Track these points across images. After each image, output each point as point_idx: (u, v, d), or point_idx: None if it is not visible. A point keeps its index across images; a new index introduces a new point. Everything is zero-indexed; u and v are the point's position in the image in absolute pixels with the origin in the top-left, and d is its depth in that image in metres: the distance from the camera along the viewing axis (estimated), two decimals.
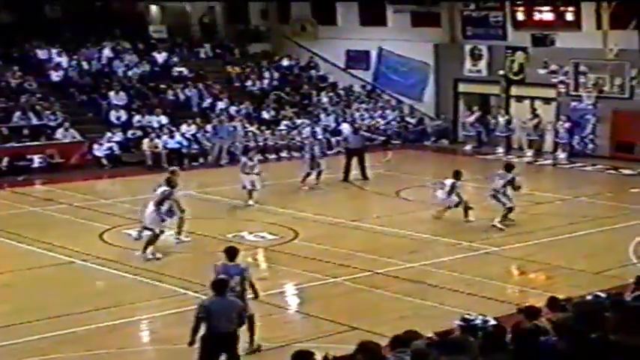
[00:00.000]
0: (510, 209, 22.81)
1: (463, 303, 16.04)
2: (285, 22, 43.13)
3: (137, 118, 34.46)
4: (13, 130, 31.93)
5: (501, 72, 36.54)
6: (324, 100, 39.41)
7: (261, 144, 34.49)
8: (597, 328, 9.80)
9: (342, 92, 40.52)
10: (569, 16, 34.47)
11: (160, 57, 38.92)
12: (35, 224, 23.39)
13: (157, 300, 17.22)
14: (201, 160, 33.36)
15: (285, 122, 36.53)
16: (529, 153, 35.58)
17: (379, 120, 38.40)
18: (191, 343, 12.44)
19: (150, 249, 19.56)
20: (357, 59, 41.32)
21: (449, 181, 23.37)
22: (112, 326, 15.54)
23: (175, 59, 39.26)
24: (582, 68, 34.49)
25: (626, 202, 26.38)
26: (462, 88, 38.75)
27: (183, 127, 34.19)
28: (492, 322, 10.36)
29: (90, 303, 16.65)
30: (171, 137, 33.16)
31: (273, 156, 34.51)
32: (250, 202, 25.08)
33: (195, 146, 33.78)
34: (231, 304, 12.56)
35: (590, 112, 34.56)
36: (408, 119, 39.27)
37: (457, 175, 23.53)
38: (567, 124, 34.73)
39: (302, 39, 42.39)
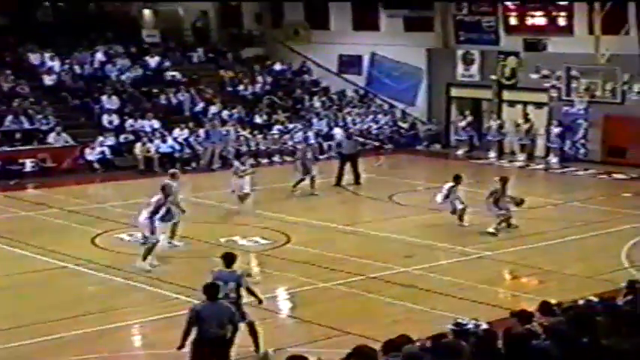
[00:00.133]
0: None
1: (456, 307, 16.02)
2: (278, 27, 43.14)
3: (130, 122, 34.41)
4: (6, 135, 31.89)
5: (494, 77, 36.60)
6: (317, 104, 39.42)
7: (253, 148, 34.51)
8: (589, 333, 9.79)
9: (334, 97, 40.53)
10: (562, 21, 34.57)
11: (153, 61, 38.87)
12: (27, 228, 23.35)
13: (149, 304, 17.20)
14: (193, 164, 33.31)
15: (277, 127, 36.52)
16: (521, 157, 35.63)
17: (372, 124, 38.42)
18: (180, 347, 12.43)
19: (149, 259, 19.19)
20: (349, 64, 41.35)
21: (447, 185, 23.38)
22: (103, 330, 15.49)
23: (168, 63, 39.22)
24: (574, 73, 34.56)
25: (618, 207, 26.40)
26: (455, 92, 38.79)
27: (176, 132, 34.16)
28: (484, 326, 10.36)
29: (81, 307, 16.63)
30: (164, 141, 33.14)
31: (266, 160, 34.48)
32: (242, 207, 24.90)
33: (188, 150, 33.77)
34: (222, 309, 12.53)
35: (582, 117, 34.62)
36: (400, 124, 39.29)
37: (456, 179, 23.50)
38: (558, 129, 34.78)
39: (295, 43, 42.39)
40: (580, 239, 22.51)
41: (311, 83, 41.46)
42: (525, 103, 36.53)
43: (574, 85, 34.64)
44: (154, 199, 19.42)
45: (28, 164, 30.93)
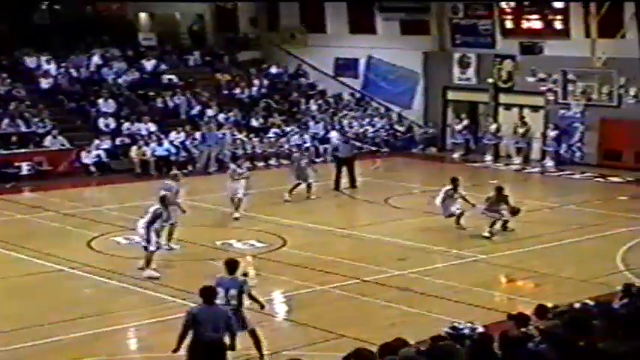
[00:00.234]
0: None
1: (451, 311, 16.04)
2: (275, 30, 43.13)
3: (126, 125, 34.39)
4: (2, 138, 31.82)
5: (490, 80, 36.63)
6: (313, 107, 39.43)
7: (249, 152, 34.49)
8: (585, 336, 9.81)
9: (331, 100, 40.54)
10: (558, 25, 34.60)
11: (149, 64, 38.87)
12: (23, 232, 23.32)
13: (145, 307, 17.19)
14: (189, 167, 33.27)
15: (273, 130, 36.52)
16: (517, 161, 35.65)
17: (368, 128, 38.41)
18: (176, 350, 12.42)
19: (153, 265, 18.97)
20: (346, 67, 41.35)
21: (445, 188, 23.37)
22: (99, 334, 15.48)
23: (164, 67, 39.22)
24: (570, 76, 34.60)
25: (613, 210, 26.43)
26: (451, 95, 38.81)
27: (172, 135, 34.15)
28: (480, 329, 10.37)
29: (77, 310, 16.61)
30: (160, 145, 33.10)
31: (262, 164, 34.48)
32: (236, 214, 24.65)
33: (184, 154, 33.74)
34: (217, 313, 12.51)
35: (578, 120, 34.65)
36: (396, 127, 39.29)
37: (453, 181, 23.49)
38: (554, 132, 34.81)
39: (291, 47, 42.39)
40: (576, 242, 22.53)
41: (307, 86, 41.47)
42: (522, 107, 36.54)
43: (570, 88, 34.68)
44: (152, 208, 19.14)
45: (24, 167, 30.89)
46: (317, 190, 28.11)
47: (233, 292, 13.51)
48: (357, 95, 41.01)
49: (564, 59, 34.12)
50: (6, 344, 14.76)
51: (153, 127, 34.41)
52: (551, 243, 22.13)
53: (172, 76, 38.57)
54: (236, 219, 24.46)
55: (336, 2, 40.26)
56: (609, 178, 32.04)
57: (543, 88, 35.36)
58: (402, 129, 39.23)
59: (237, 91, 39.48)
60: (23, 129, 32.50)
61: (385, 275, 19.17)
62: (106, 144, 33.11)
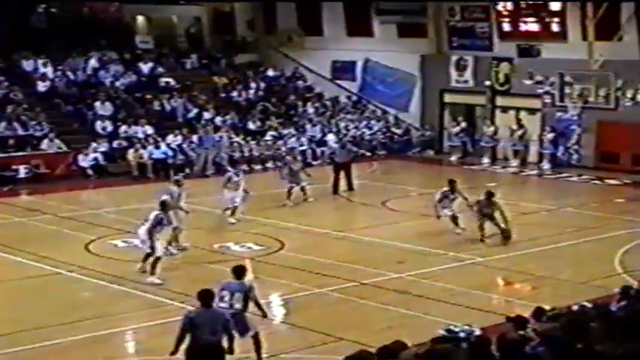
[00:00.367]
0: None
1: (449, 313, 16.04)
2: (272, 33, 43.15)
3: (123, 128, 34.40)
4: None
5: (487, 82, 36.67)
6: (310, 110, 39.44)
7: (246, 154, 34.51)
8: (583, 339, 9.82)
9: (328, 103, 40.56)
10: (555, 27, 34.66)
11: (146, 67, 38.86)
12: (21, 235, 23.28)
13: (143, 310, 17.19)
14: (186, 170, 33.21)
15: (270, 133, 36.53)
16: (514, 163, 35.68)
17: (365, 130, 38.43)
18: (173, 353, 12.41)
19: (158, 272, 18.83)
20: (343, 70, 41.37)
21: (442, 190, 23.33)
22: (97, 337, 15.47)
23: (161, 70, 39.22)
24: (567, 79, 34.64)
25: (611, 213, 26.47)
26: (448, 98, 38.84)
27: (169, 138, 34.15)
28: (477, 332, 10.37)
29: (75, 314, 16.60)
30: (157, 147, 33.10)
31: (259, 166, 34.47)
32: (232, 219, 24.53)
33: (181, 157, 33.73)
34: (215, 316, 12.50)
35: (575, 123, 34.68)
36: (393, 130, 39.31)
37: (450, 183, 23.39)
38: (551, 135, 34.84)
39: (288, 49, 42.42)
40: (573, 245, 22.54)
41: (304, 89, 41.49)
42: (519, 109, 36.56)
43: (567, 90, 34.71)
44: (152, 215, 19.04)
45: (22, 170, 30.87)
46: (314, 193, 28.10)
47: (238, 295, 13.46)
48: (354, 98, 41.04)
49: (561, 62, 34.17)
50: (5, 347, 14.73)
51: (150, 130, 34.41)
52: (548, 245, 22.14)
53: (169, 79, 38.59)
54: (232, 224, 24.45)
55: (333, 5, 40.30)
56: (606, 180, 32.08)
57: (540, 91, 35.40)
58: (399, 132, 39.26)
59: (235, 94, 39.50)
60: (20, 132, 32.50)
61: (383, 278, 19.16)
62: (104, 147, 33.10)
